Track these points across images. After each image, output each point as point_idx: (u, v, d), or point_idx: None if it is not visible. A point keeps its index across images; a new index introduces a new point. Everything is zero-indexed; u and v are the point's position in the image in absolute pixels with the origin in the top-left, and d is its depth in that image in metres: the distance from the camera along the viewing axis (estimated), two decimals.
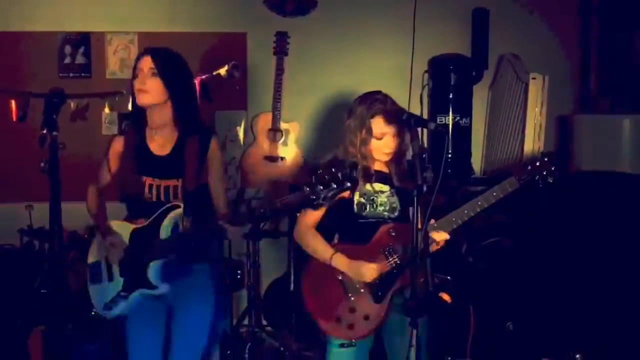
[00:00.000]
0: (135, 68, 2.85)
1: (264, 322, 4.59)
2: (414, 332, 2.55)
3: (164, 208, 2.80)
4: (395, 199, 2.92)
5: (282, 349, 3.78)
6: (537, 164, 2.80)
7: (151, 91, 2.80)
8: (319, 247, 2.89)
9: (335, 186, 2.49)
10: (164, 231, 2.78)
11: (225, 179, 2.97)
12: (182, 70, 2.88)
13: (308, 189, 2.50)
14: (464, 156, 4.64)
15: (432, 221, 2.77)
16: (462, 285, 3.15)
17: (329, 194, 2.50)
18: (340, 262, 2.84)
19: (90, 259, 2.96)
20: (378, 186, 2.91)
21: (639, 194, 3.99)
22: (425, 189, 2.55)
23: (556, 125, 5.07)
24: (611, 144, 4.55)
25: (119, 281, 2.84)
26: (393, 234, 2.86)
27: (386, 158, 2.92)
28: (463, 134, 4.63)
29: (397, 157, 2.94)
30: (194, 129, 2.88)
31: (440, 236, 2.78)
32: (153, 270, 2.77)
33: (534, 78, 4.68)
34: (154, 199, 2.84)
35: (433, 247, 2.82)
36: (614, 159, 4.44)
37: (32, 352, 3.82)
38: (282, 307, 4.56)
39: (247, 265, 4.53)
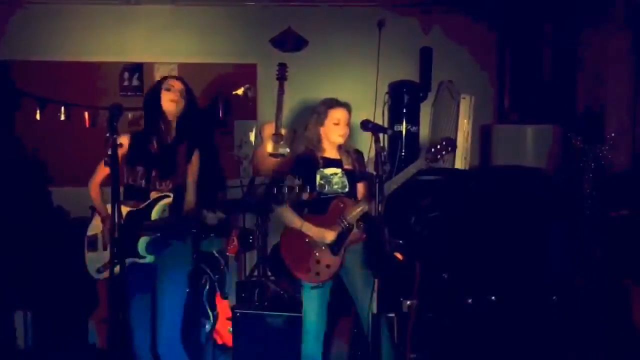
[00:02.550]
0: (162, 84, 2.77)
1: (269, 273, 4.59)
2: (376, 280, 2.57)
3: (157, 197, 2.70)
4: (345, 178, 2.93)
5: (281, 292, 3.79)
6: (438, 147, 2.78)
7: (180, 105, 2.76)
8: (293, 219, 2.91)
9: (295, 190, 2.44)
10: (155, 214, 2.69)
11: (195, 183, 2.85)
12: (194, 99, 2.85)
13: (275, 191, 2.43)
14: (414, 154, 4.63)
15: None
16: (411, 247, 3.17)
17: (290, 196, 2.44)
18: (308, 228, 2.87)
19: (90, 232, 2.84)
20: (331, 170, 2.91)
21: (536, 180, 4.03)
22: (384, 177, 2.56)
23: (480, 132, 5.08)
24: (519, 146, 4.56)
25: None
26: (341, 205, 2.88)
27: (341, 140, 2.92)
28: (413, 138, 4.64)
29: (347, 146, 2.97)
30: (185, 139, 2.82)
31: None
32: (142, 244, 2.70)
33: (464, 98, 4.67)
34: (144, 184, 2.75)
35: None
36: (520, 157, 4.45)
37: (100, 294, 3.82)
38: (282, 262, 4.55)
39: (257, 232, 4.52)
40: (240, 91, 4.46)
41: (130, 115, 4.48)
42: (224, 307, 3.98)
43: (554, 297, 3.63)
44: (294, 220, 2.91)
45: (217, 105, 4.47)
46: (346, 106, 2.96)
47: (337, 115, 2.90)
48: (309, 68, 5.16)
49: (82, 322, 3.86)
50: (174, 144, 2.80)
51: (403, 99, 4.58)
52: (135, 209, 2.73)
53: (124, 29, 5.10)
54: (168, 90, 2.76)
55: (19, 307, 3.87)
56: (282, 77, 4.74)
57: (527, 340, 3.52)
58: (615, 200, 3.71)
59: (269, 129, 4.77)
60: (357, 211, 2.84)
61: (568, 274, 3.74)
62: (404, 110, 4.59)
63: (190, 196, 2.81)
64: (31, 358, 3.83)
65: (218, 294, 4.02)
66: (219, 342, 3.96)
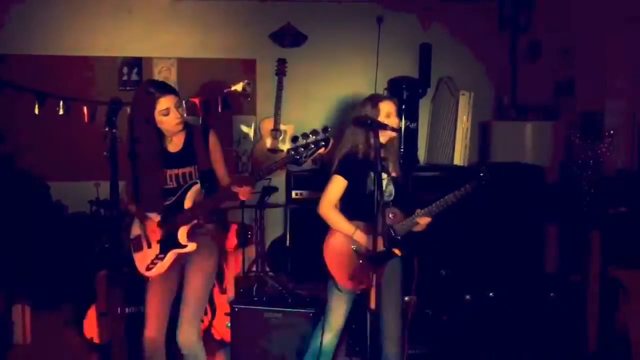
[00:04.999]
0: (154, 109, 2.66)
1: (267, 269, 4.59)
2: (374, 275, 2.54)
3: (186, 185, 2.72)
4: (392, 186, 2.84)
5: (280, 288, 3.78)
6: (481, 174, 2.79)
7: (184, 115, 2.75)
8: (343, 224, 2.76)
9: (313, 147, 2.45)
10: (188, 202, 2.70)
11: (223, 159, 2.85)
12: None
13: (293, 152, 2.46)
14: (412, 150, 4.63)
15: (418, 210, 2.76)
16: (409, 243, 3.16)
17: (309, 153, 2.46)
18: (360, 237, 2.75)
19: (133, 234, 2.84)
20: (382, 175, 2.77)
21: (535, 178, 4.03)
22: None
23: (478, 128, 5.08)
24: (517, 143, 4.56)
25: (156, 247, 2.76)
26: (391, 216, 2.80)
27: (396, 132, 2.83)
28: (412, 134, 4.63)
29: (394, 152, 2.87)
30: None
31: (424, 220, 2.77)
32: (181, 233, 2.71)
33: (463, 94, 4.68)
34: (174, 185, 2.76)
35: (418, 228, 2.80)
36: (519, 154, 4.45)
37: (99, 288, 3.80)
38: (280, 258, 4.56)
39: (255, 228, 4.52)
40: (239, 86, 4.44)
41: (128, 109, 4.46)
42: (222, 302, 3.97)
43: (552, 294, 3.64)
44: (346, 227, 2.76)
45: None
46: (393, 99, 2.88)
47: (387, 108, 2.80)
48: (308, 63, 5.16)
49: (80, 316, 3.86)
50: (187, 138, 2.79)
51: (402, 95, 4.56)
52: (169, 203, 2.74)
53: (123, 24, 5.09)
54: (166, 115, 2.69)
55: (17, 301, 3.86)
56: (281, 73, 4.73)
57: (524, 337, 3.53)
58: (613, 198, 3.71)
59: (268, 125, 4.77)
60: (408, 224, 2.79)
61: (565, 271, 3.75)
62: (403, 107, 4.58)
63: (224, 174, 2.79)
64: (29, 352, 3.83)
65: (216, 288, 4.02)
66: (217, 337, 3.96)
